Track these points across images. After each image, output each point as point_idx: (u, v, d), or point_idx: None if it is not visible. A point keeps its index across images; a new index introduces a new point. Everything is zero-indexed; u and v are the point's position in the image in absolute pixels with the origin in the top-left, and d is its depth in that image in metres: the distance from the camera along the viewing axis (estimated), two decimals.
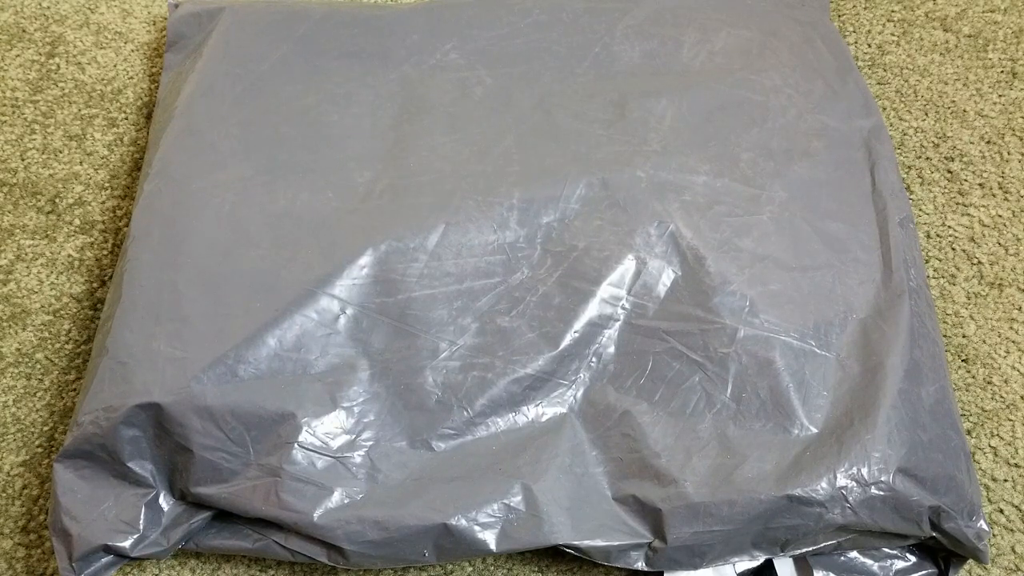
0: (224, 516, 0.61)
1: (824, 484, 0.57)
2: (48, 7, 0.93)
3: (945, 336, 0.73)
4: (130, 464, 0.60)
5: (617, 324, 0.64)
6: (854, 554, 0.61)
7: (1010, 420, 0.69)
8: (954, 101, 0.86)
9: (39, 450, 0.68)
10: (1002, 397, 0.70)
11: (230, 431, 0.59)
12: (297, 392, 0.60)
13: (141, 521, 0.59)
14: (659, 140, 0.72)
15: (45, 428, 0.69)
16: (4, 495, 0.66)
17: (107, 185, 0.82)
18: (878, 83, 0.88)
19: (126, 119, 0.86)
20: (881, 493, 0.57)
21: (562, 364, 0.63)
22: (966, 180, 0.81)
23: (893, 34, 0.91)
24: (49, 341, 0.73)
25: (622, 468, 0.60)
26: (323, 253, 0.65)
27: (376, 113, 0.75)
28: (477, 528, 0.57)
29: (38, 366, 0.72)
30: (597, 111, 0.74)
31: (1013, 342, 0.72)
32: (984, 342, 0.72)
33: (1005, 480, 0.66)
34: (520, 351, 0.63)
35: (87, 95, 0.87)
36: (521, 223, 0.67)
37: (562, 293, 0.65)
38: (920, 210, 0.79)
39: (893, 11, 0.93)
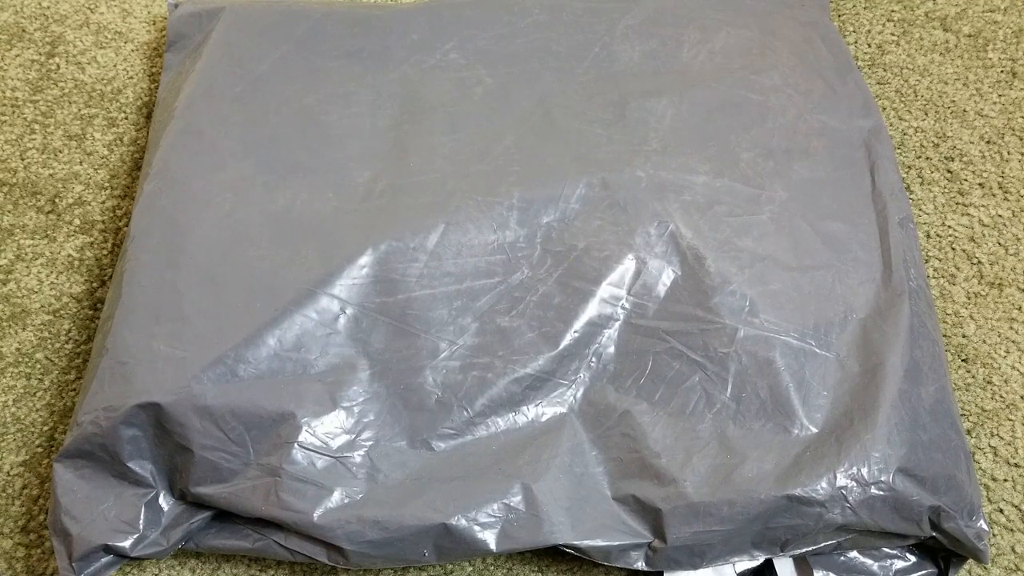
0: (224, 516, 0.61)
1: (824, 484, 0.57)
2: (48, 7, 0.93)
3: (945, 336, 0.73)
4: (130, 464, 0.60)
5: (617, 324, 0.64)
6: (854, 554, 0.61)
7: (1010, 420, 0.69)
8: (954, 101, 0.86)
9: (39, 450, 0.68)
10: (1002, 397, 0.70)
11: (230, 431, 0.59)
12: (297, 392, 0.60)
13: (141, 521, 0.59)
14: (659, 140, 0.72)
15: (45, 428, 0.69)
16: (4, 495, 0.66)
17: (107, 185, 0.82)
18: (878, 83, 0.88)
19: (126, 119, 0.86)
20: (881, 493, 0.57)
21: (562, 364, 0.63)
22: (966, 180, 0.81)
23: (893, 34, 0.91)
24: (49, 341, 0.73)
25: (622, 468, 0.60)
26: (323, 253, 0.65)
27: (376, 113, 0.75)
28: (477, 528, 0.57)
29: (38, 366, 0.72)
30: (597, 111, 0.74)
31: (1013, 342, 0.72)
32: (984, 342, 0.72)
33: (1005, 480, 0.66)
34: (520, 351, 0.63)
35: (87, 95, 0.87)
36: (521, 223, 0.67)
37: (562, 293, 0.65)
38: (920, 210, 0.79)
39: (893, 11, 0.93)
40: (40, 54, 0.90)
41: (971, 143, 0.83)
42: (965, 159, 0.82)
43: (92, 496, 0.60)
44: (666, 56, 0.79)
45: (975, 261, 0.76)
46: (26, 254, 0.77)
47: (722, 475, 0.58)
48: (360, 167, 0.71)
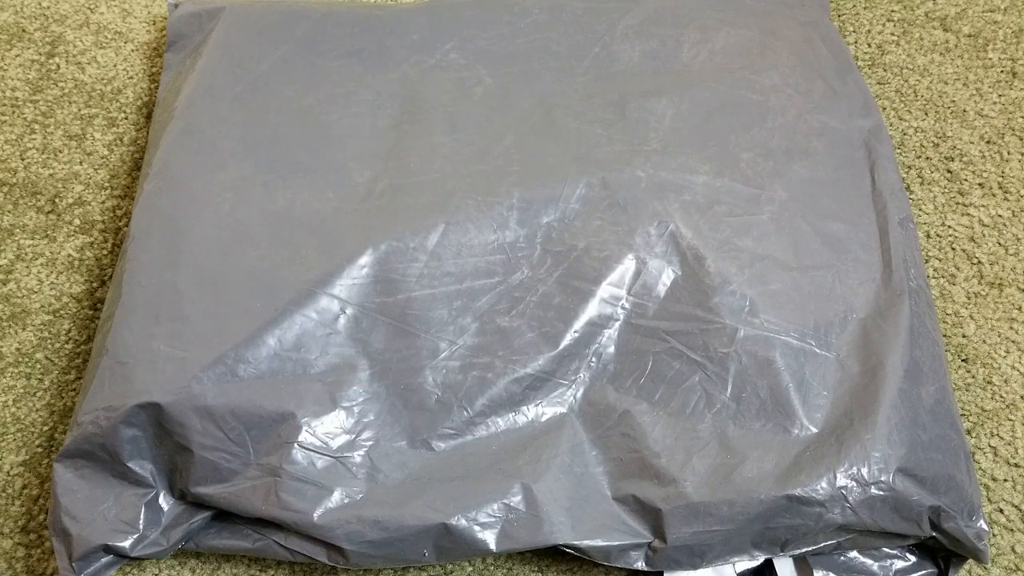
0: (224, 516, 0.61)
1: (824, 484, 0.57)
2: (48, 7, 0.93)
3: (945, 336, 0.73)
4: (130, 464, 0.60)
5: (617, 324, 0.64)
6: (854, 554, 0.61)
7: (1010, 420, 0.69)
8: (954, 101, 0.86)
9: (39, 450, 0.68)
10: (1002, 397, 0.70)
11: (230, 431, 0.59)
12: (297, 392, 0.60)
13: (141, 521, 0.59)
14: (659, 140, 0.72)
15: (45, 428, 0.69)
16: (4, 495, 0.66)
17: (107, 185, 0.82)
18: (878, 83, 0.88)
19: (126, 119, 0.86)
20: (881, 493, 0.57)
21: (562, 364, 0.63)
22: (966, 180, 0.81)
23: (893, 34, 0.91)
24: (49, 341, 0.73)
25: (622, 468, 0.60)
26: (323, 253, 0.65)
27: (376, 113, 0.75)
28: (477, 528, 0.57)
29: (38, 366, 0.72)
30: (597, 111, 0.74)
31: (1013, 342, 0.72)
32: (984, 342, 0.72)
33: (1005, 480, 0.66)
34: (520, 351, 0.63)
35: (87, 95, 0.87)
36: (521, 223, 0.67)
37: (562, 293, 0.65)
38: (920, 210, 0.79)
39: (893, 11, 0.93)
40: (40, 54, 0.90)
41: (971, 143, 0.83)
42: (965, 159, 0.82)
43: (92, 496, 0.60)
44: (666, 56, 0.79)
45: (975, 261, 0.76)
46: (26, 254, 0.77)
47: (722, 475, 0.58)
48: (360, 167, 0.71)
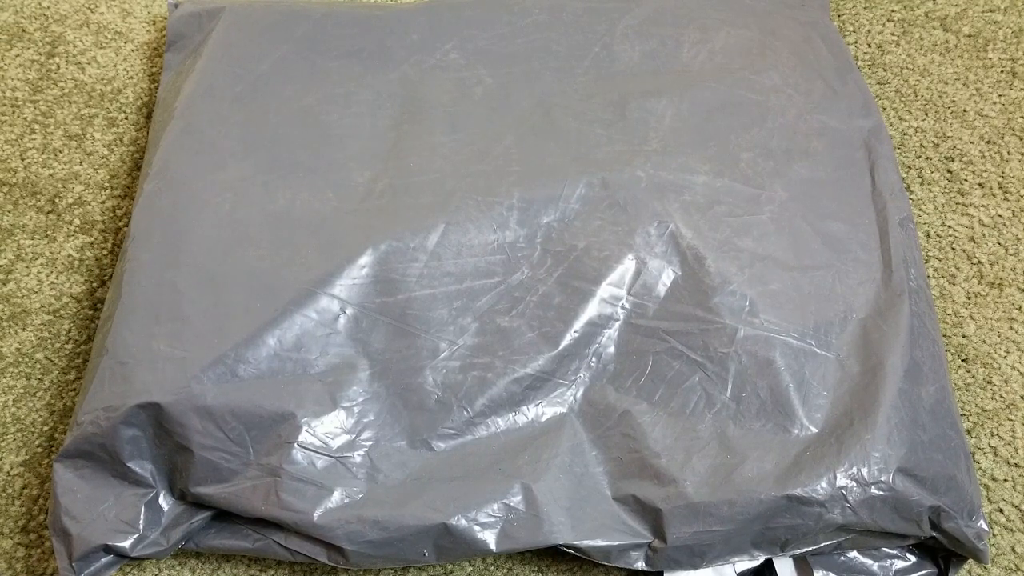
0: (224, 516, 0.61)
1: (824, 484, 0.57)
2: (48, 7, 0.93)
3: (945, 336, 0.73)
4: (130, 464, 0.60)
5: (617, 324, 0.64)
6: (854, 554, 0.61)
7: (1010, 420, 0.69)
8: (954, 101, 0.86)
9: (39, 450, 0.68)
10: (1002, 397, 0.70)
11: (230, 431, 0.59)
12: (297, 392, 0.60)
13: (141, 521, 0.59)
14: (659, 140, 0.72)
15: (45, 428, 0.69)
16: (4, 495, 0.66)
17: (107, 185, 0.82)
18: (878, 83, 0.88)
19: (126, 119, 0.86)
20: (881, 493, 0.57)
21: (562, 364, 0.63)
22: (966, 180, 0.81)
23: (893, 34, 0.91)
24: (49, 341, 0.73)
25: (622, 468, 0.60)
26: (323, 253, 0.65)
27: (376, 113, 0.75)
28: (477, 528, 0.57)
29: (38, 366, 0.72)
30: (597, 111, 0.74)
31: (1013, 342, 0.72)
32: (984, 342, 0.72)
33: (1005, 480, 0.66)
34: (520, 351, 0.63)
35: (87, 95, 0.87)
36: (521, 223, 0.67)
37: (562, 293, 0.65)
38: (920, 210, 0.79)
39: (893, 11, 0.93)
40: (40, 54, 0.90)
41: (971, 143, 0.83)
42: (965, 159, 0.82)
43: (92, 496, 0.60)
44: (666, 56, 0.79)
45: (975, 261, 0.76)
46: (26, 254, 0.77)
47: (722, 475, 0.58)
48: (360, 167, 0.71)
